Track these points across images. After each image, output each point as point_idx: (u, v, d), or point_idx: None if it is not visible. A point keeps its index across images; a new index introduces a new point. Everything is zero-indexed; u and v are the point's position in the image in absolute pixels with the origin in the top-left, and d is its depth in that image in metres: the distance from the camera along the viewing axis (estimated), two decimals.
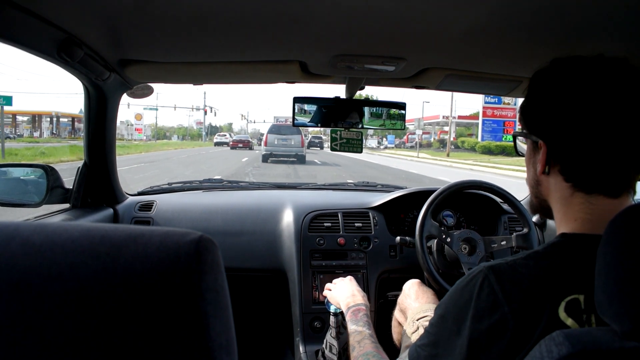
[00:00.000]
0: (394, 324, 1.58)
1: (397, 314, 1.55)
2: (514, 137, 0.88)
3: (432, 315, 0.81)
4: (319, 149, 35.90)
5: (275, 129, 18.50)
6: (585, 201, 0.73)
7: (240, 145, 30.49)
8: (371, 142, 61.15)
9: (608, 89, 0.69)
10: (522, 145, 0.85)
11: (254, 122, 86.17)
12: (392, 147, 54.03)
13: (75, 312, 0.38)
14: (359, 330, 1.24)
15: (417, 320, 1.34)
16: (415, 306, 1.43)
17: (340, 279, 1.53)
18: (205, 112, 59.40)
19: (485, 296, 0.70)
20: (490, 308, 0.69)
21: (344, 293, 1.42)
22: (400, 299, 1.55)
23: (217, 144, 44.44)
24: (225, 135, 50.32)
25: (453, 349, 0.72)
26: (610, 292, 0.57)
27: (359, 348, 1.17)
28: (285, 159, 18.18)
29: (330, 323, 1.38)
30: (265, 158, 18.26)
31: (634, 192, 0.74)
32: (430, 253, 1.71)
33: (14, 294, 0.39)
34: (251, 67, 1.49)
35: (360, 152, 1.78)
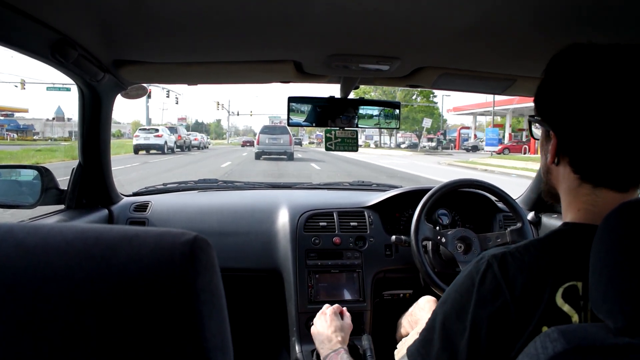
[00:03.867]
0: (399, 323, 1.56)
1: (404, 321, 1.53)
2: (529, 121, 0.87)
3: None
4: (299, 146, 45.26)
5: (267, 130, 20.44)
6: (591, 192, 0.74)
7: (248, 144, 39.24)
8: (396, 139, 48.92)
9: (621, 82, 0.69)
10: (537, 131, 0.84)
11: (237, 115, 63.78)
12: (496, 153, 29.86)
13: (70, 314, 0.38)
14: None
15: None
16: (426, 319, 1.43)
17: (320, 313, 1.48)
18: (149, 95, 32.85)
19: (488, 283, 0.71)
20: (492, 295, 0.70)
21: (321, 338, 1.39)
22: (413, 311, 1.54)
23: (140, 148, 24.28)
24: (156, 131, 25.35)
25: (451, 333, 0.72)
26: (603, 288, 0.58)
27: None
28: (276, 156, 19.96)
29: None
30: (258, 156, 20.03)
31: None
32: (425, 252, 1.72)
33: (8, 296, 0.39)
34: (245, 67, 1.49)
35: (356, 150, 1.78)
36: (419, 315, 1.49)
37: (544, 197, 0.88)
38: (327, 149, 1.75)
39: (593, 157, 0.72)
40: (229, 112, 60.57)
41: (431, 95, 43.69)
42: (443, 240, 1.65)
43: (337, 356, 1.29)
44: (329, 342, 1.35)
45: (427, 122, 38.74)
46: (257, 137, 21.02)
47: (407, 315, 1.54)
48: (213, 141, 69.05)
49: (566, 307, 0.67)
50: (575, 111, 0.71)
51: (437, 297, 1.60)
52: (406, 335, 1.50)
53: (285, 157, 19.95)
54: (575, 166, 0.74)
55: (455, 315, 0.73)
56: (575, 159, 0.74)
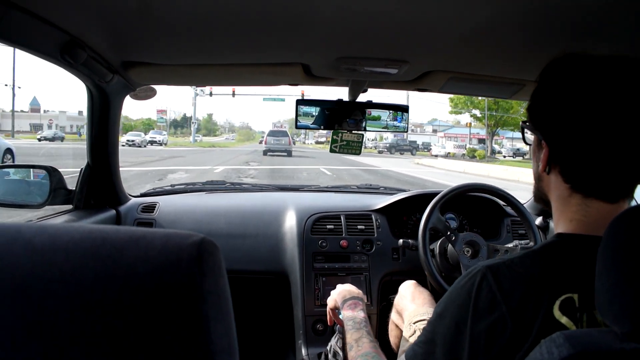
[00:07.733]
0: (390, 327, 1.56)
1: (393, 316, 1.53)
2: (522, 127, 0.87)
3: (430, 315, 0.81)
4: (294, 145, 50.84)
5: (272, 133, 28.57)
6: (582, 203, 0.74)
7: (262, 142, 45.28)
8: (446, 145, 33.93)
9: (613, 94, 0.69)
10: (530, 137, 0.84)
11: (210, 95, 42.35)
12: None
13: (77, 314, 0.38)
14: (356, 324, 1.19)
15: (414, 323, 1.32)
16: (411, 308, 1.41)
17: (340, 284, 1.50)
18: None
19: (484, 296, 0.70)
20: (488, 308, 0.69)
21: (342, 290, 1.36)
22: (396, 301, 1.53)
23: None
24: None
25: (451, 347, 0.72)
26: (610, 293, 0.57)
27: (357, 348, 1.13)
28: (279, 153, 26.79)
29: (338, 331, 1.35)
30: (265, 153, 26.65)
31: (632, 199, 0.74)
32: (433, 256, 1.71)
33: (16, 296, 0.39)
34: (254, 69, 1.50)
35: (359, 154, 1.78)
36: (402, 304, 1.46)
37: (534, 201, 0.88)
38: (331, 150, 1.74)
39: (584, 167, 0.72)
40: (195, 91, 41.65)
41: None
42: (453, 237, 1.64)
43: (356, 308, 1.24)
44: (349, 292, 1.31)
45: None
46: (264, 138, 28.95)
47: (393, 311, 1.53)
48: (173, 139, 53.32)
49: (564, 320, 0.67)
50: (567, 122, 0.71)
51: (424, 283, 1.57)
52: (398, 328, 1.48)
53: (286, 154, 26.38)
54: (566, 176, 0.74)
55: (455, 329, 0.72)
56: (566, 168, 0.74)
